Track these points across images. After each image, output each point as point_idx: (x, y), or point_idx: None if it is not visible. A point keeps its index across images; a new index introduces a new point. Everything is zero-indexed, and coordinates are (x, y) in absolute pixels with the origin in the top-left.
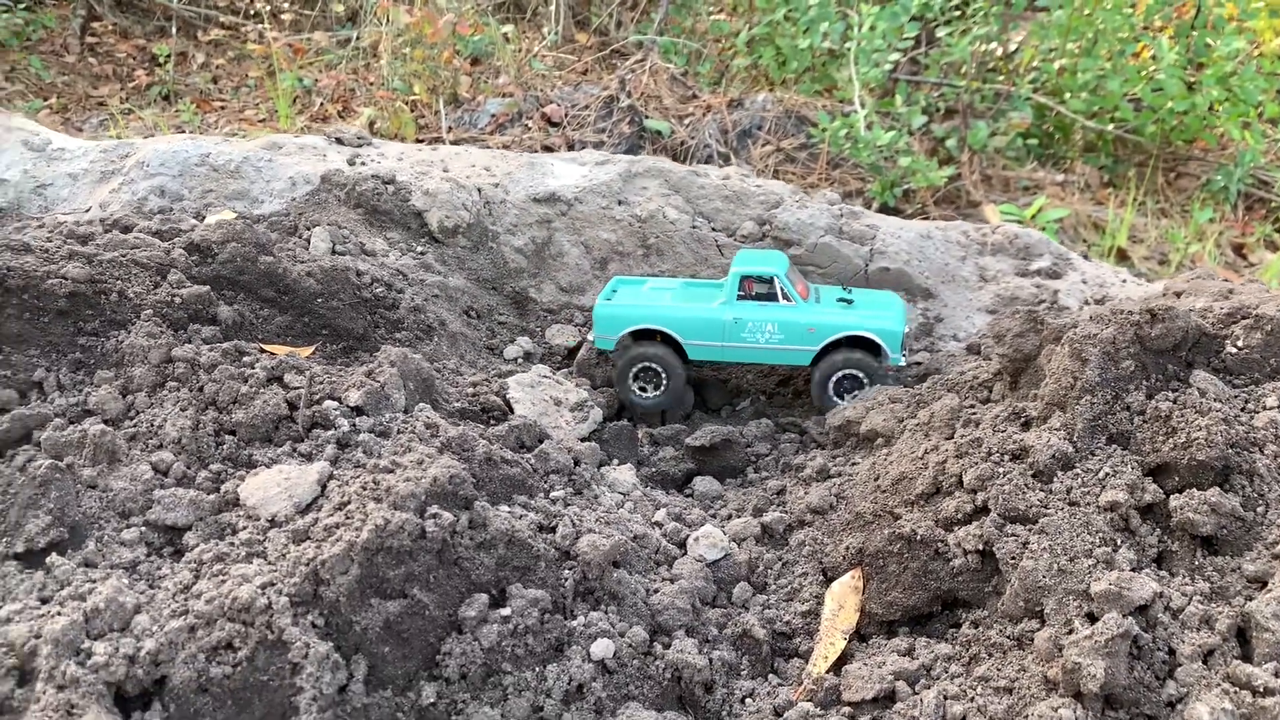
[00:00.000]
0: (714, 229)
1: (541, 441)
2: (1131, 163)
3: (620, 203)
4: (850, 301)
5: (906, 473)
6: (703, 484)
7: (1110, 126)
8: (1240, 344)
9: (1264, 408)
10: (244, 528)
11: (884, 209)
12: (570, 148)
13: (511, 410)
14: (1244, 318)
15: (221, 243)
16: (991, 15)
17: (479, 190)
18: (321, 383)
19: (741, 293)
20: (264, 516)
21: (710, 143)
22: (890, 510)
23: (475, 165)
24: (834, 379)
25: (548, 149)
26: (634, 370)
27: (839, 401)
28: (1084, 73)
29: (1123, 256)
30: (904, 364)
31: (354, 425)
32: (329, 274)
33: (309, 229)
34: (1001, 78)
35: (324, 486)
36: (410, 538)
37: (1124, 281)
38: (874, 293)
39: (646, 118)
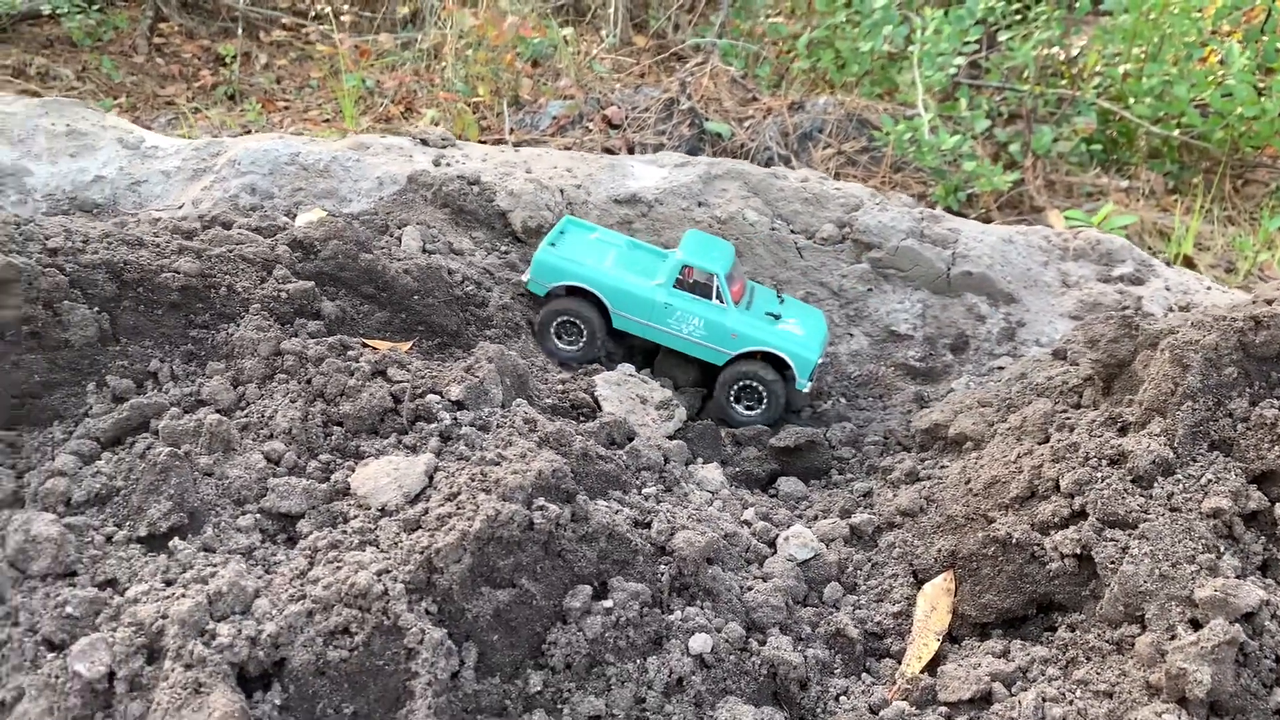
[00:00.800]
0: (793, 231)
1: (631, 439)
2: (1198, 169)
3: (700, 204)
4: (777, 316)
5: (999, 476)
6: (787, 484)
7: (1176, 132)
8: None
9: None
10: (355, 516)
11: (947, 213)
12: (631, 150)
13: (600, 408)
14: None
15: (324, 240)
16: (1054, 19)
17: (561, 191)
18: (423, 377)
19: (679, 279)
20: (375, 506)
21: (771, 145)
22: (984, 513)
23: (557, 167)
24: (735, 385)
25: (609, 151)
26: (557, 321)
27: (735, 406)
28: (1149, 78)
29: (1189, 264)
30: (806, 390)
31: (455, 419)
32: (425, 272)
33: (399, 228)
34: (1064, 82)
35: (431, 477)
36: (519, 528)
37: (1209, 289)
38: (804, 308)
39: (707, 120)
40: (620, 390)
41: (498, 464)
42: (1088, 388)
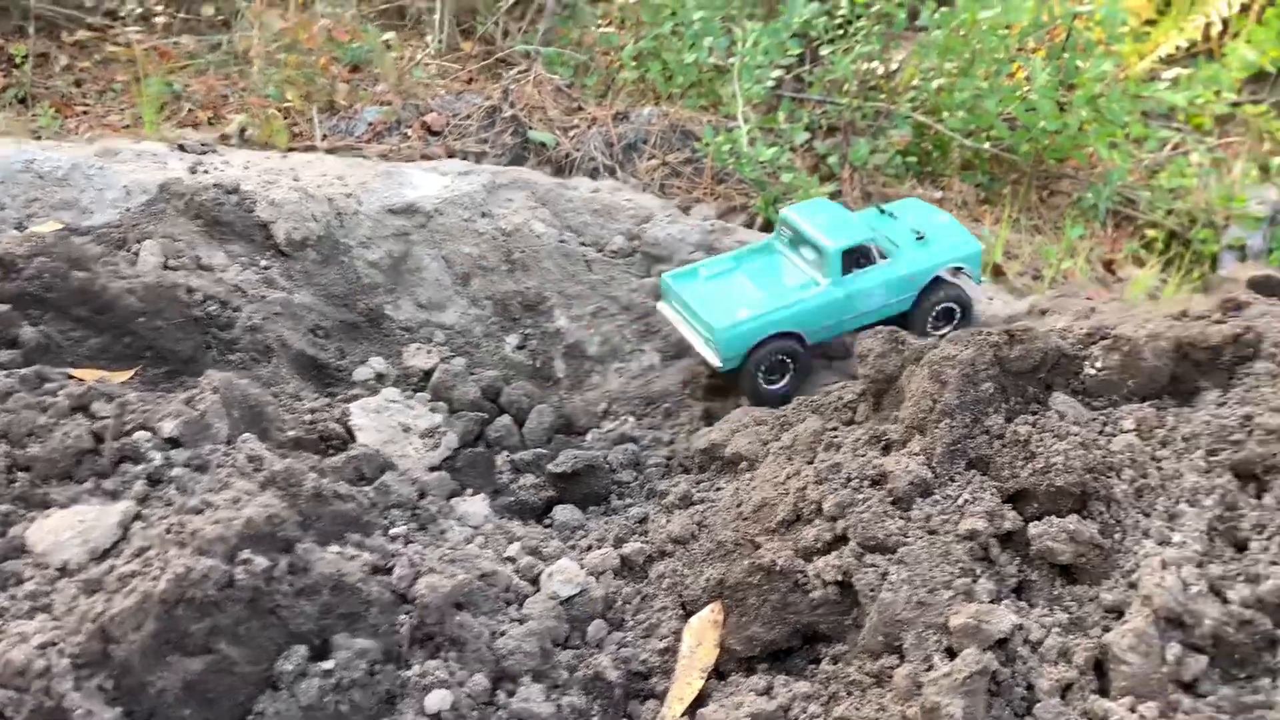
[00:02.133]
0: (583, 243)
1: (384, 472)
2: (1007, 180)
3: (484, 215)
4: (921, 236)
5: (768, 499)
6: (563, 513)
7: (986, 145)
8: (1099, 365)
9: (1121, 430)
10: (30, 577)
11: (767, 224)
12: (451, 157)
13: (354, 438)
14: (1103, 338)
15: (28, 256)
16: (874, 34)
17: (330, 200)
18: (134, 412)
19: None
20: (54, 565)
21: (596, 155)
22: (751, 539)
23: (328, 174)
24: (933, 314)
25: (427, 158)
26: (764, 366)
27: (936, 327)
28: (961, 92)
29: (998, 272)
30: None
31: (168, 459)
32: (153, 291)
33: (139, 242)
34: (883, 96)
35: (126, 529)
36: (216, 586)
37: (990, 299)
38: (914, 207)
39: (530, 128)
40: (379, 418)
41: (201, 512)
42: (861, 403)
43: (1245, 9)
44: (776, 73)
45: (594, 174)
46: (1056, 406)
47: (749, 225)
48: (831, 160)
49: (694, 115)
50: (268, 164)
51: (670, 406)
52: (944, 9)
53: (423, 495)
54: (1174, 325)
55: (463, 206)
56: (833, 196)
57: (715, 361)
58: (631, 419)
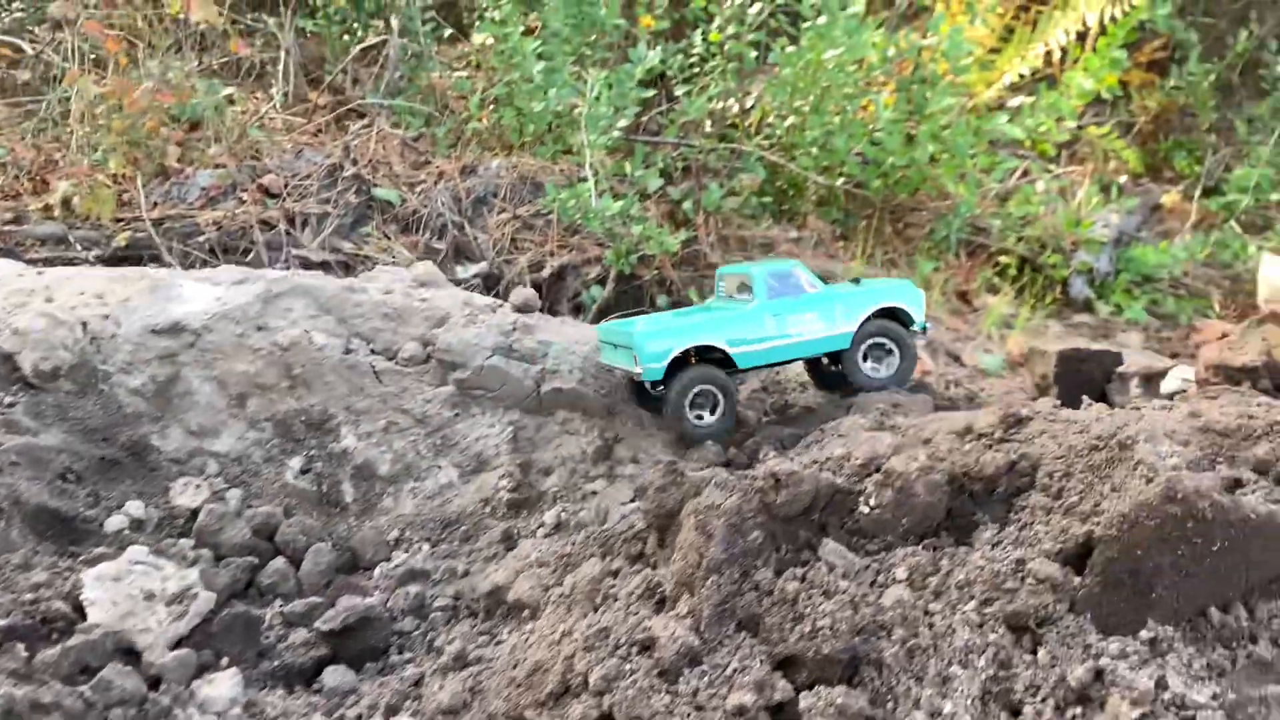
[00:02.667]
0: (373, 351)
1: (113, 658)
2: (861, 216)
3: (260, 329)
4: (857, 281)
5: (541, 663)
6: (334, 676)
7: (840, 182)
8: (872, 502)
9: (894, 580)
10: None
11: (620, 276)
12: (291, 221)
13: (84, 616)
14: (877, 469)
15: None
16: (728, 73)
17: (84, 324)
18: None
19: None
20: None
21: (444, 211)
22: (521, 713)
23: (85, 292)
24: (864, 347)
25: (266, 224)
26: (691, 394)
27: (864, 366)
28: (812, 129)
29: None
30: (926, 331)
31: None
32: None
33: None
34: (739, 135)
35: None
36: None
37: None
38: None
39: (375, 186)
40: (117, 587)
41: None
42: (650, 535)
43: (1081, 37)
44: (624, 121)
45: (442, 230)
46: (827, 557)
47: (601, 282)
48: (686, 206)
49: (545, 165)
50: (18, 283)
51: (468, 529)
52: (792, 47)
53: (156, 684)
54: (953, 449)
55: (235, 321)
56: (686, 244)
57: (636, 370)
58: (425, 547)
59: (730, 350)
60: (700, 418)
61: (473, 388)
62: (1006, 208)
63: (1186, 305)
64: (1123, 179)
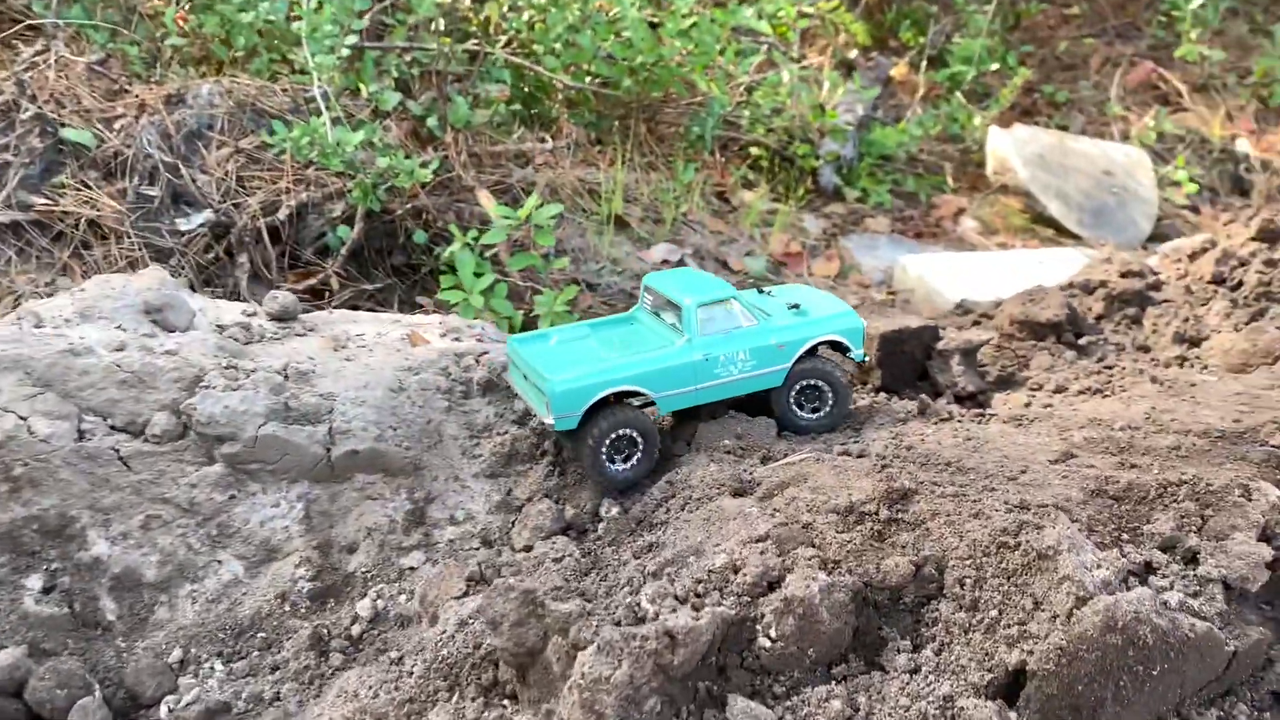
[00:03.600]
0: (114, 428)
1: None
2: (614, 118)
3: None
4: (797, 306)
5: None
6: None
7: (588, 81)
8: (774, 634)
9: None
10: None
11: (369, 214)
12: None
13: None
14: (768, 586)
15: None
16: None
17: None
18: None
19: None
20: None
21: (152, 152)
22: None
23: None
24: (794, 390)
25: None
26: (609, 441)
27: (799, 412)
28: (555, 26)
29: (621, 223)
30: (864, 361)
31: None
32: None
33: None
34: (476, 30)
35: None
36: None
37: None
38: (794, 289)
39: (63, 125)
40: None
41: None
42: (505, 663)
43: None
44: (352, 38)
45: (152, 175)
46: (736, 719)
47: (349, 220)
48: (431, 122)
49: (264, 86)
50: None
51: (268, 635)
52: None
53: None
54: (846, 549)
55: None
56: (438, 171)
57: (548, 419)
58: (219, 666)
59: (655, 395)
60: (619, 463)
61: (247, 462)
62: (754, 99)
63: (924, 183)
64: (853, 53)
